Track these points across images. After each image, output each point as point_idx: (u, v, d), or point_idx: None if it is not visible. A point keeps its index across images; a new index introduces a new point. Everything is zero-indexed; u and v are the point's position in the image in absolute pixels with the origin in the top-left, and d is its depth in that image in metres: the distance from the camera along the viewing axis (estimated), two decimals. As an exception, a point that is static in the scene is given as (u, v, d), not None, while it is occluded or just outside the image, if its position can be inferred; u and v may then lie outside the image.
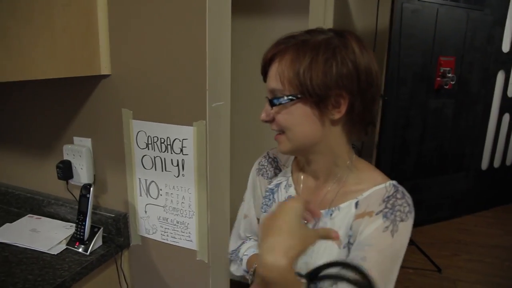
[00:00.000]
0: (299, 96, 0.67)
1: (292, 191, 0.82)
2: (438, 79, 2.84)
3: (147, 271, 1.34)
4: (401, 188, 0.71)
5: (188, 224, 1.20)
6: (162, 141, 1.18)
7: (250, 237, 0.98)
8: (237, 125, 2.16)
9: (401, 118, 2.83)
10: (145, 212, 1.28)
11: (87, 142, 1.32)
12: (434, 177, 3.16)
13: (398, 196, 0.69)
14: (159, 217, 1.25)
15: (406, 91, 2.77)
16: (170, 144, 1.17)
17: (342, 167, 0.75)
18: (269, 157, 0.91)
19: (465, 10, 2.80)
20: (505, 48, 3.12)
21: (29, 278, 1.07)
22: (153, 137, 1.20)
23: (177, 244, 1.24)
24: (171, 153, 1.18)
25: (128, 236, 1.33)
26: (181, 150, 1.16)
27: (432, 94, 2.88)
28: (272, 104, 0.69)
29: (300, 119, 0.69)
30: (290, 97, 0.67)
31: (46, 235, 1.28)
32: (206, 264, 1.21)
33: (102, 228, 1.26)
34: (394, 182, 0.72)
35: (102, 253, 1.23)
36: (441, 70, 2.82)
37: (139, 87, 1.19)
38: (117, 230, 1.30)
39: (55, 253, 1.19)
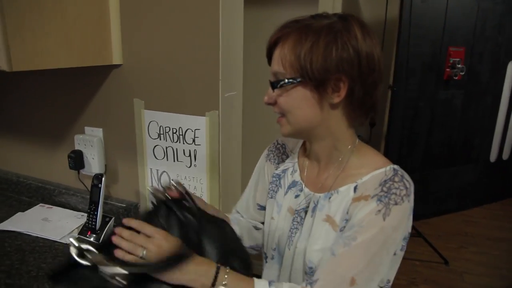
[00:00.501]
0: (299, 79, 0.67)
1: (297, 176, 0.82)
2: (448, 69, 2.80)
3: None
4: (401, 171, 0.71)
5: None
6: (174, 131, 1.18)
7: (245, 219, 0.97)
8: (248, 115, 2.15)
9: (410, 109, 2.80)
10: (157, 202, 1.28)
11: (98, 132, 1.32)
12: (442, 168, 3.14)
13: (396, 179, 0.68)
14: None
15: (415, 81, 2.75)
16: (182, 134, 1.17)
17: (343, 151, 0.75)
18: (278, 144, 0.92)
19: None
20: (516, 38, 3.08)
21: (42, 267, 1.08)
22: (165, 127, 1.19)
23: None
24: (183, 143, 1.17)
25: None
26: (193, 140, 1.15)
27: (441, 85, 2.85)
28: (273, 87, 0.71)
29: (300, 102, 0.69)
30: (290, 80, 0.68)
31: (57, 224, 1.29)
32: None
33: (113, 218, 1.26)
34: (395, 166, 0.72)
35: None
36: (451, 61, 2.79)
37: (151, 77, 1.18)
38: (127, 212, 1.31)
39: (67, 242, 1.20)
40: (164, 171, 1.24)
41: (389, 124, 2.57)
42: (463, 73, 2.80)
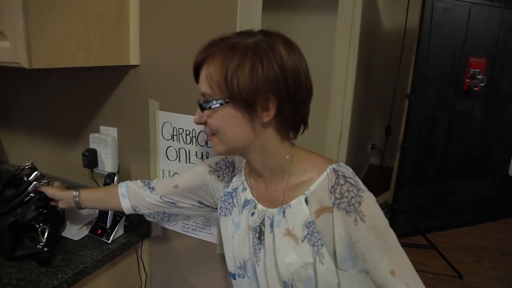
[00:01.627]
0: (227, 100, 0.68)
1: (248, 194, 0.82)
2: (467, 80, 2.75)
3: (166, 262, 1.34)
4: (341, 170, 0.71)
5: (209, 217, 1.20)
6: (188, 133, 1.18)
7: (158, 196, 1.00)
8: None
9: (427, 120, 2.76)
10: (167, 203, 1.28)
11: (113, 131, 1.33)
12: (458, 181, 3.08)
13: (341, 182, 0.69)
14: (181, 208, 1.26)
15: (433, 91, 2.70)
16: (195, 136, 1.17)
17: (281, 163, 0.75)
18: (228, 161, 0.92)
19: (499, 9, 2.70)
20: (540, 50, 3.00)
21: (52, 263, 1.09)
22: (179, 129, 1.20)
23: (197, 236, 1.24)
24: (196, 145, 1.17)
25: (149, 226, 1.33)
26: (206, 143, 1.15)
27: (461, 95, 2.80)
28: (202, 108, 0.71)
29: (230, 122, 0.70)
30: (219, 101, 0.68)
31: (69, 221, 1.30)
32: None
33: (124, 217, 1.27)
34: (333, 165, 0.72)
35: (124, 242, 1.24)
36: (471, 72, 2.74)
37: (167, 78, 1.19)
38: (139, 220, 1.31)
39: (77, 239, 1.21)
40: (176, 172, 1.24)
41: (405, 134, 2.53)
42: (483, 84, 2.75)
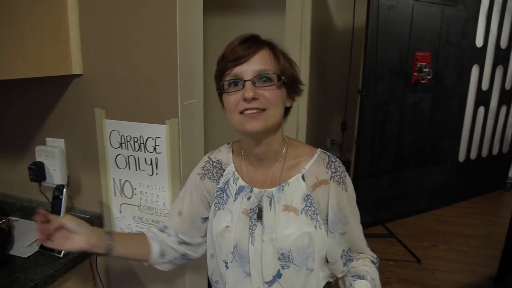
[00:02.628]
0: (284, 79, 0.81)
1: (241, 182, 0.91)
2: (415, 74, 2.89)
3: (123, 271, 1.33)
4: (327, 152, 0.90)
5: (163, 222, 1.20)
6: (135, 140, 1.18)
7: (174, 235, 1.02)
8: (217, 123, 2.15)
9: (380, 113, 2.87)
10: (120, 212, 1.27)
11: (60, 142, 1.30)
12: (413, 170, 3.22)
13: (333, 159, 0.88)
14: (134, 216, 1.25)
15: (384, 86, 2.82)
16: (143, 143, 1.17)
17: (282, 147, 0.89)
18: (212, 161, 0.98)
19: (439, 6, 2.86)
20: (479, 43, 3.19)
21: None
22: (126, 136, 1.19)
23: (153, 242, 1.24)
24: (145, 151, 1.17)
25: (104, 236, 1.31)
26: (154, 149, 1.15)
27: (410, 88, 2.93)
28: (266, 80, 0.80)
29: (281, 100, 0.83)
30: (282, 77, 0.81)
31: (17, 238, 1.26)
32: (182, 263, 1.21)
33: (76, 229, 1.24)
34: (319, 149, 0.91)
35: (76, 255, 1.21)
36: (418, 65, 2.87)
37: (111, 86, 1.18)
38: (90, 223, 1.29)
39: (26, 256, 1.17)
40: (127, 180, 1.23)
41: (359, 128, 2.62)
42: (430, 77, 2.89)
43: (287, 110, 0.88)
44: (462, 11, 2.98)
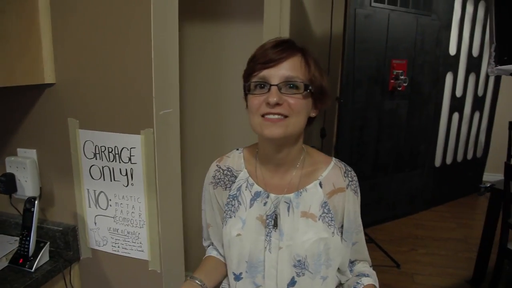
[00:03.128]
0: (311, 89, 0.81)
1: (256, 187, 0.90)
2: (392, 81, 2.95)
3: (99, 284, 1.30)
4: (342, 161, 0.92)
5: (139, 234, 1.18)
6: (110, 150, 1.16)
7: (213, 245, 1.05)
8: (196, 131, 2.14)
9: (358, 120, 2.91)
10: (95, 223, 1.24)
11: (31, 153, 1.27)
12: (391, 175, 3.27)
13: (349, 169, 0.91)
14: (109, 228, 1.22)
15: (362, 93, 2.86)
16: (118, 153, 1.15)
17: (300, 154, 0.90)
18: (222, 169, 0.96)
19: (414, 15, 2.94)
20: (452, 51, 3.30)
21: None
22: (101, 147, 1.17)
23: (128, 255, 1.21)
24: (120, 162, 1.15)
25: (78, 249, 1.28)
26: (130, 159, 1.14)
27: (387, 95, 2.99)
28: (293, 87, 0.79)
29: (306, 108, 0.82)
30: (310, 87, 0.80)
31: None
32: (159, 274, 1.19)
33: (48, 243, 1.21)
34: (335, 159, 0.92)
35: (49, 269, 1.18)
36: (394, 73, 2.94)
37: (85, 95, 1.16)
38: (66, 244, 1.26)
39: (-5, 271, 1.14)
40: (102, 191, 1.21)
41: (338, 135, 2.65)
42: (406, 84, 2.96)
43: (311, 120, 0.88)
44: (435, 21, 3.07)
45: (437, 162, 3.58)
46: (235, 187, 0.92)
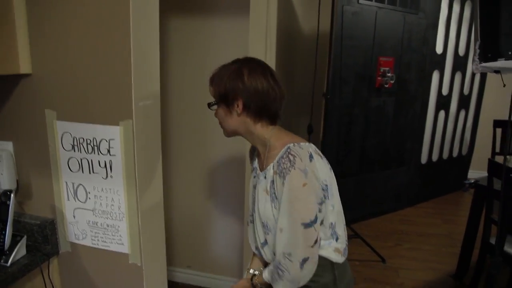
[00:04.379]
0: (217, 102, 1.05)
1: (255, 163, 1.16)
2: (379, 78, 2.96)
3: (78, 278, 1.28)
4: (294, 148, 0.97)
5: (118, 227, 1.16)
6: (88, 142, 1.14)
7: None
8: (183, 126, 2.13)
9: (345, 116, 2.92)
10: (74, 217, 1.22)
11: (7, 145, 1.24)
12: (378, 172, 3.29)
13: (284, 156, 0.97)
14: (89, 221, 1.20)
15: (349, 90, 2.87)
16: (96, 145, 1.13)
17: (264, 140, 1.07)
18: (252, 147, 1.20)
19: (401, 13, 2.95)
20: (439, 49, 3.32)
21: None
22: (79, 138, 1.15)
23: (108, 248, 1.20)
24: (98, 154, 1.13)
25: (57, 243, 1.26)
26: (108, 151, 1.12)
27: (374, 92, 3.01)
28: (209, 107, 1.07)
29: (223, 116, 1.06)
30: (214, 102, 1.06)
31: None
32: (139, 268, 1.18)
33: (25, 237, 1.19)
34: (291, 144, 0.98)
35: (26, 263, 1.15)
36: (381, 70, 2.95)
37: (63, 86, 1.13)
38: (44, 238, 1.23)
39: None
40: (80, 184, 1.19)
41: (325, 131, 2.66)
42: (393, 82, 2.98)
43: (256, 113, 1.03)
44: (422, 19, 3.09)
45: (423, 159, 3.61)
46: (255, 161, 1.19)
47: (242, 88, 1.01)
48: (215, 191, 2.18)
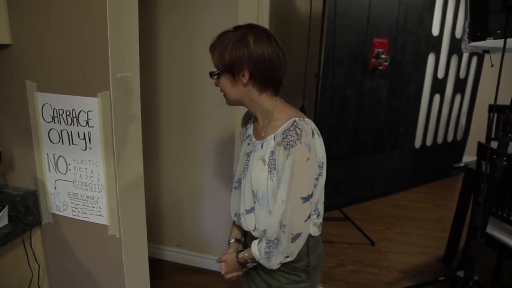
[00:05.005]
0: (222, 71, 1.03)
1: (250, 131, 1.16)
2: (373, 60, 2.94)
3: (60, 249, 1.30)
4: (300, 123, 0.99)
5: (98, 198, 1.18)
6: (68, 114, 1.14)
7: None
8: (173, 104, 2.12)
9: (338, 98, 2.91)
10: (55, 188, 1.23)
11: (-11, 116, 1.24)
12: (371, 155, 3.29)
13: (291, 129, 0.98)
14: (69, 192, 1.22)
15: (342, 71, 2.85)
16: (75, 117, 1.13)
17: (265, 110, 1.07)
18: (247, 112, 1.21)
19: (397, -7, 2.91)
20: (435, 31, 3.28)
21: None
22: (59, 110, 1.15)
23: (88, 219, 1.21)
24: (77, 125, 1.14)
25: (39, 214, 1.27)
26: (87, 123, 1.12)
27: (367, 74, 2.98)
28: (211, 76, 1.05)
29: (226, 85, 1.05)
30: (217, 72, 1.03)
31: None
32: (118, 239, 1.19)
33: (7, 207, 1.20)
34: (297, 118, 1.00)
35: (7, 232, 1.17)
36: (375, 51, 2.92)
37: (43, 57, 1.13)
38: (26, 209, 1.25)
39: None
40: (61, 156, 1.19)
41: (317, 112, 2.65)
42: (387, 63, 2.95)
43: (261, 83, 1.03)
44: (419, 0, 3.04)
45: (417, 143, 3.61)
46: (248, 127, 1.19)
47: (248, 57, 0.99)
48: (205, 170, 2.19)
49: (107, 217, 1.18)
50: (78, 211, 1.22)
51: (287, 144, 0.97)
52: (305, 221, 1.01)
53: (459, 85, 3.67)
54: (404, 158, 3.52)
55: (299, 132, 0.97)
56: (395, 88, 3.17)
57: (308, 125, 0.99)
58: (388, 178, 3.49)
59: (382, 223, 3.12)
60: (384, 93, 3.13)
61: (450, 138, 3.87)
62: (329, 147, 2.97)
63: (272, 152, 1.02)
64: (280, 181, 1.01)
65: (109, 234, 1.20)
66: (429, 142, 3.71)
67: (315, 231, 1.11)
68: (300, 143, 0.96)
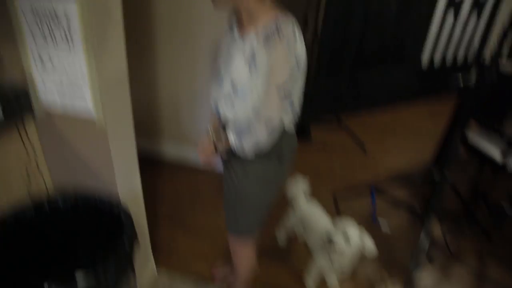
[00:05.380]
0: None
1: (235, 32, 1.21)
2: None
3: (57, 140, 1.38)
4: (282, 22, 1.04)
5: (83, 89, 1.23)
6: (48, 8, 1.14)
7: None
8: (170, 9, 2.09)
9: (344, 11, 2.77)
10: (44, 83, 1.28)
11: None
12: (374, 67, 3.22)
13: (273, 26, 1.05)
14: (57, 86, 1.26)
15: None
16: (53, 11, 1.13)
17: (254, 16, 1.11)
18: (231, 17, 1.26)
19: None
20: None
21: None
22: (38, 3, 1.14)
23: (75, 111, 1.28)
24: (57, 18, 1.14)
25: (31, 109, 1.34)
26: (66, 16, 1.12)
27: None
28: None
29: None
30: None
31: None
32: (103, 129, 1.27)
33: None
34: (279, 17, 1.06)
35: (2, 121, 1.24)
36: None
37: None
38: (19, 105, 1.29)
39: None
40: (45, 51, 1.22)
41: (321, 23, 2.56)
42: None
43: None
44: None
45: (424, 60, 3.48)
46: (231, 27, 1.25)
47: None
48: (202, 69, 2.24)
49: (92, 108, 1.24)
50: (66, 104, 1.28)
51: (267, 40, 1.05)
52: (278, 109, 1.09)
53: (477, 5, 3.41)
54: (408, 71, 3.43)
55: (279, 30, 1.03)
56: (406, 4, 2.97)
57: (289, 24, 1.05)
58: (390, 90, 3.44)
59: (377, 132, 3.18)
60: (394, 10, 2.96)
61: (460, 60, 3.72)
62: (331, 58, 2.90)
63: (253, 47, 1.10)
64: (258, 73, 1.09)
65: (96, 125, 1.27)
66: (437, 60, 3.57)
67: (288, 124, 1.20)
68: (279, 39, 1.03)
